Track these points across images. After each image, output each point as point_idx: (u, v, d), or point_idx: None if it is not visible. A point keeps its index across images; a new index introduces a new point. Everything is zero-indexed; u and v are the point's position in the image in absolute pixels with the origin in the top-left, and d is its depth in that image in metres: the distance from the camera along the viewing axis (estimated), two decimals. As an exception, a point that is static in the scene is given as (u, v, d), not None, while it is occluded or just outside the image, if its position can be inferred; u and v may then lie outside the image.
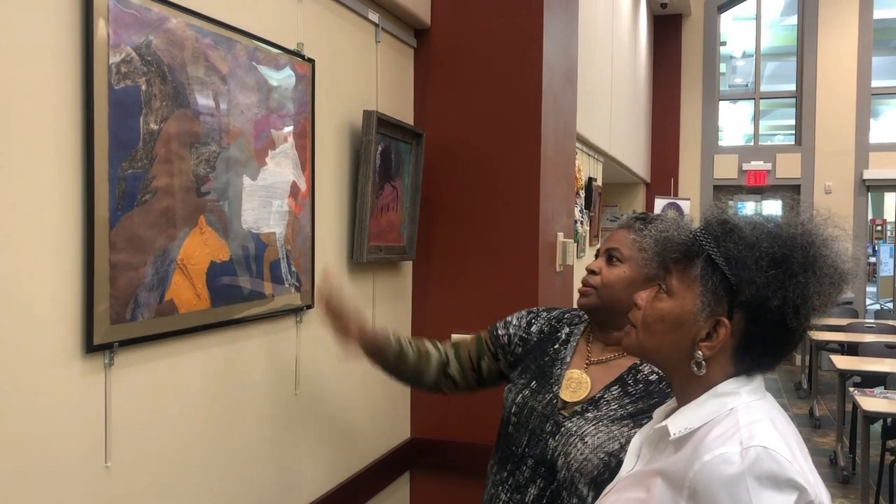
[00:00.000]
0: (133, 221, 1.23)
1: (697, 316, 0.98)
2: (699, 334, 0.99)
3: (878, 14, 9.68)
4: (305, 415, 1.82)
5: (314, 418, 1.86)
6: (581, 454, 1.38)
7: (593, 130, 5.29)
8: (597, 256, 1.56)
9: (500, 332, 1.66)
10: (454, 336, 2.00)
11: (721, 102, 10.36)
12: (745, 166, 9.91)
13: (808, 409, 6.96)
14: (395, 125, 2.11)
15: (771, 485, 0.88)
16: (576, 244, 4.13)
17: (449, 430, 2.36)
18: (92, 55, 1.14)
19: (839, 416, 5.49)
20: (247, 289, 1.54)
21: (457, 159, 2.35)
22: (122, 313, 1.21)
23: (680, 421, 0.99)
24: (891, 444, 4.48)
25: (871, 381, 5.09)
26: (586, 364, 1.51)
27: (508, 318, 1.68)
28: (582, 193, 5.15)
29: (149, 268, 1.27)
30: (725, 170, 9.99)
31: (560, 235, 2.53)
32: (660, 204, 8.20)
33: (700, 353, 0.99)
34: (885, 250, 12.63)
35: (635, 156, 8.06)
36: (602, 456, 1.37)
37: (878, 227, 13.71)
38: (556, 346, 1.56)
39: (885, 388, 4.67)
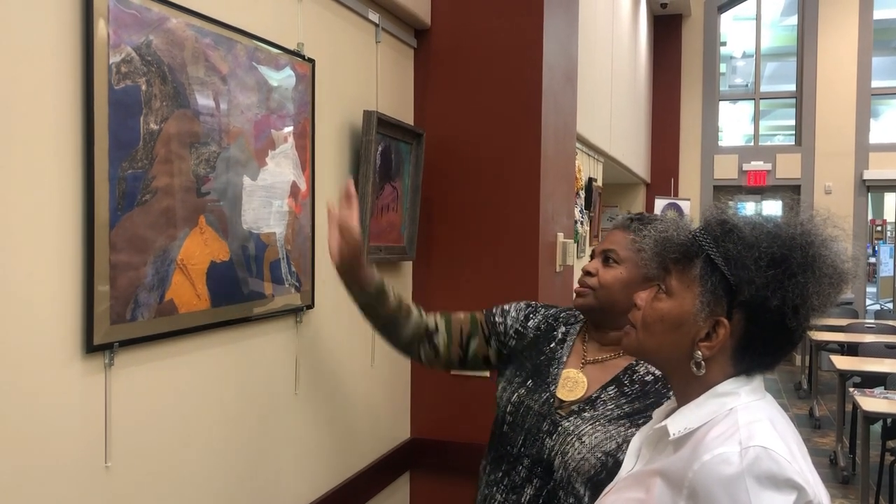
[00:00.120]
0: (133, 221, 1.23)
1: (697, 316, 0.99)
2: (699, 334, 0.99)
3: (878, 14, 9.69)
4: (305, 415, 1.82)
5: (314, 418, 1.86)
6: (578, 454, 1.38)
7: (593, 130, 5.29)
8: (592, 257, 1.55)
9: (496, 318, 1.64)
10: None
11: (721, 103, 10.36)
12: (746, 166, 9.91)
13: (808, 409, 6.96)
14: (395, 125, 2.11)
15: (770, 485, 0.88)
16: (576, 244, 4.13)
17: (449, 430, 2.36)
18: (92, 55, 1.14)
19: (839, 417, 5.49)
20: (247, 289, 1.55)
21: (457, 159, 2.35)
22: (122, 313, 1.21)
23: (679, 421, 0.99)
24: (891, 444, 4.48)
25: (871, 381, 5.09)
26: (582, 364, 1.51)
27: (506, 307, 1.67)
28: (582, 194, 5.15)
29: (149, 268, 1.27)
30: (725, 170, 9.99)
31: (560, 235, 2.53)
32: (660, 204, 8.20)
33: (699, 353, 0.99)
34: (885, 251, 12.63)
35: (635, 156, 8.07)
36: (599, 455, 1.37)
37: (878, 228, 13.71)
38: (553, 346, 1.56)
39: (885, 389, 4.67)
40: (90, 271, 1.15)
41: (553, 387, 1.48)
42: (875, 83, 9.61)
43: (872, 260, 12.94)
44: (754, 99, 10.39)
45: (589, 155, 5.51)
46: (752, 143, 10.25)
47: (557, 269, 2.50)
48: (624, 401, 1.44)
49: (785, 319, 0.95)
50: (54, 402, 1.12)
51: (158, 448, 1.33)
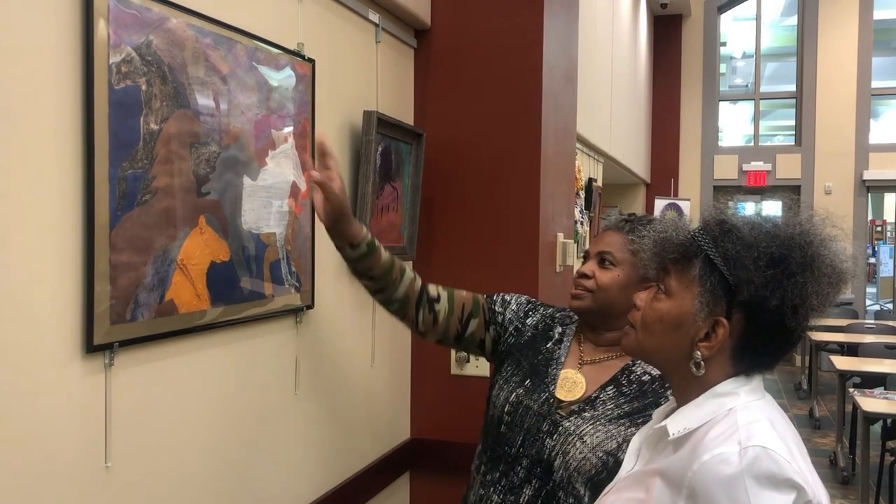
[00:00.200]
0: (133, 221, 1.23)
1: (696, 316, 0.99)
2: (698, 334, 0.99)
3: (878, 14, 9.69)
4: (305, 415, 1.82)
5: (314, 418, 1.86)
6: (580, 453, 1.38)
7: (593, 131, 5.29)
8: (586, 259, 1.55)
9: (497, 308, 1.63)
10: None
11: (721, 103, 10.37)
12: (745, 167, 9.92)
13: (807, 409, 6.97)
14: (395, 125, 2.11)
15: (769, 484, 0.88)
16: (576, 244, 4.13)
17: (449, 430, 2.36)
18: (92, 55, 1.14)
19: (839, 417, 5.49)
20: (247, 289, 1.55)
21: (457, 159, 2.35)
22: (122, 313, 1.21)
23: (679, 421, 1.00)
24: (891, 444, 4.48)
25: (871, 381, 5.10)
26: (580, 364, 1.51)
27: (507, 298, 1.65)
28: (582, 194, 5.16)
29: (149, 268, 1.27)
30: (725, 170, 10.00)
31: (560, 236, 2.53)
32: (660, 204, 8.20)
33: (699, 353, 0.99)
34: (884, 251, 12.63)
35: (635, 156, 8.07)
36: (601, 455, 1.38)
37: (878, 228, 13.71)
38: (549, 345, 1.55)
39: (885, 389, 4.68)
40: (90, 271, 1.15)
41: (552, 387, 1.48)
42: (875, 83, 9.61)
43: (872, 260, 12.95)
44: (754, 99, 10.39)
45: (589, 155, 5.51)
46: (752, 144, 10.26)
47: (557, 269, 2.50)
48: (623, 400, 1.44)
49: (784, 319, 0.96)
50: (54, 402, 1.12)
51: (158, 448, 1.33)
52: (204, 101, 1.40)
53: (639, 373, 1.47)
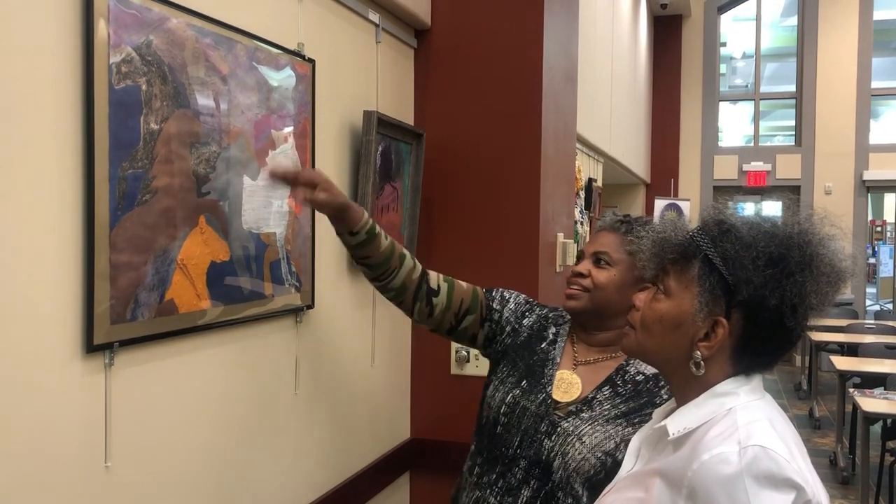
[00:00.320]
0: (133, 221, 1.23)
1: (696, 316, 0.99)
2: (697, 334, 0.99)
3: (878, 15, 9.69)
4: (305, 415, 1.82)
5: (314, 418, 1.86)
6: (579, 454, 1.39)
7: (593, 131, 5.29)
8: (580, 259, 1.54)
9: (495, 305, 1.62)
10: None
11: (721, 103, 10.37)
12: (745, 167, 9.92)
13: (807, 409, 6.97)
14: (395, 125, 2.11)
15: (769, 484, 0.88)
16: (576, 244, 4.13)
17: (449, 430, 2.36)
18: (92, 55, 1.15)
19: (839, 417, 5.49)
20: (247, 289, 1.55)
21: (457, 159, 2.35)
22: (122, 313, 1.21)
23: (679, 421, 1.00)
24: (891, 444, 4.48)
25: (871, 381, 5.10)
26: (574, 365, 1.51)
27: (507, 296, 1.65)
28: (582, 194, 5.16)
29: (149, 268, 1.27)
30: (725, 170, 10.00)
31: (560, 236, 2.53)
32: (660, 204, 8.20)
33: (699, 353, 0.99)
34: (884, 251, 12.63)
35: (635, 156, 8.07)
36: (600, 455, 1.38)
37: (878, 228, 13.71)
38: (544, 346, 1.55)
39: (885, 389, 4.68)
40: (90, 271, 1.15)
41: (549, 387, 1.48)
42: (875, 84, 9.61)
43: (872, 261, 12.95)
44: (754, 99, 10.39)
45: (589, 155, 5.51)
46: (751, 144, 10.26)
47: (557, 269, 2.51)
48: (619, 400, 1.44)
49: (783, 318, 0.96)
50: (54, 402, 1.12)
51: (158, 448, 1.33)
52: (204, 100, 1.40)
53: (633, 373, 1.48)
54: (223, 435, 1.51)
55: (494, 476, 1.46)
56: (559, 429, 1.42)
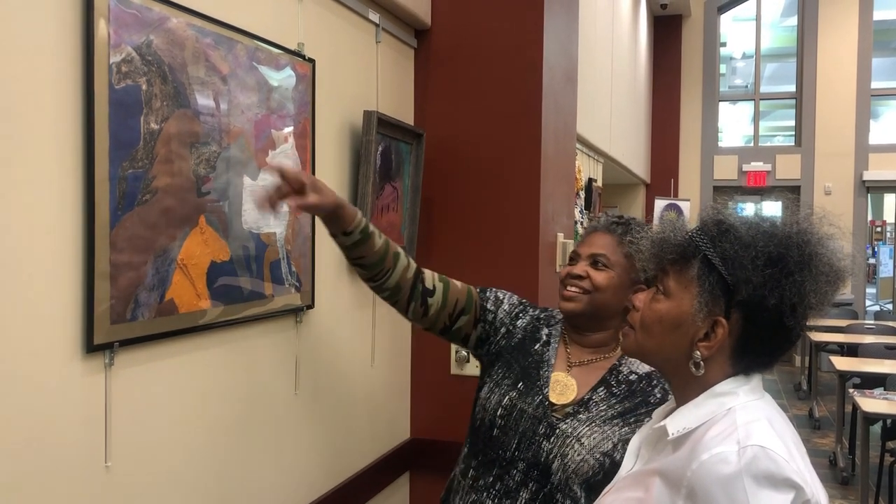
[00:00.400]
0: (133, 221, 1.23)
1: (695, 316, 0.99)
2: (697, 334, 0.99)
3: (878, 15, 9.69)
4: (305, 415, 1.82)
5: (314, 418, 1.86)
6: (578, 455, 1.39)
7: (593, 131, 5.29)
8: (573, 260, 1.53)
9: (489, 306, 1.61)
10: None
11: (721, 103, 10.37)
12: (745, 167, 9.92)
13: (807, 410, 6.97)
14: (395, 125, 2.11)
15: (768, 484, 0.88)
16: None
17: (449, 430, 2.36)
18: (92, 55, 1.15)
19: (839, 418, 5.49)
20: (247, 289, 1.55)
21: (457, 159, 2.35)
22: (122, 313, 1.21)
23: (678, 421, 1.00)
24: (890, 445, 4.48)
25: (871, 382, 5.10)
26: (569, 367, 1.51)
27: (500, 296, 1.63)
28: (582, 194, 5.16)
29: (149, 267, 1.27)
30: (725, 171, 10.00)
31: (560, 236, 2.53)
32: (659, 205, 8.21)
33: (698, 353, 0.99)
34: (884, 251, 12.64)
35: (635, 156, 8.07)
36: (598, 456, 1.38)
37: (878, 229, 13.71)
38: (538, 347, 1.55)
39: (885, 390, 4.68)
40: (90, 271, 1.15)
41: (546, 389, 1.47)
42: (875, 84, 9.62)
43: (872, 261, 12.95)
44: (754, 100, 10.39)
45: (589, 155, 5.51)
46: (751, 144, 10.26)
47: (557, 270, 2.51)
48: (614, 401, 1.45)
49: (783, 318, 0.96)
50: (54, 401, 1.12)
51: (158, 448, 1.33)
52: (204, 100, 1.40)
53: (626, 372, 1.49)
54: (223, 435, 1.51)
55: (491, 479, 1.46)
56: (558, 431, 1.42)
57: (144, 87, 1.25)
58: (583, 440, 1.40)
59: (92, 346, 1.16)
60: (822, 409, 7.00)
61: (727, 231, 0.99)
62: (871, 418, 4.22)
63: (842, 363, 5.34)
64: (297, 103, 1.71)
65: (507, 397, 1.48)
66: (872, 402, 4.26)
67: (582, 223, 5.10)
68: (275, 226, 1.64)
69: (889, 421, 4.35)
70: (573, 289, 1.49)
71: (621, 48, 6.76)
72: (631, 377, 1.48)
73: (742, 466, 0.88)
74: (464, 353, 2.33)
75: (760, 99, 10.38)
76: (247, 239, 1.54)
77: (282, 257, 1.67)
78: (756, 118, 10.34)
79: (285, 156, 1.67)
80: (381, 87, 2.17)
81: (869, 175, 9.45)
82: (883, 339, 6.16)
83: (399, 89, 2.31)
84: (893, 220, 13.02)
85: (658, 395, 1.46)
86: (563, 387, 1.48)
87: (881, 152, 9.49)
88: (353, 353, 2.06)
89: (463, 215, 2.35)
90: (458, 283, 1.61)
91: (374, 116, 1.96)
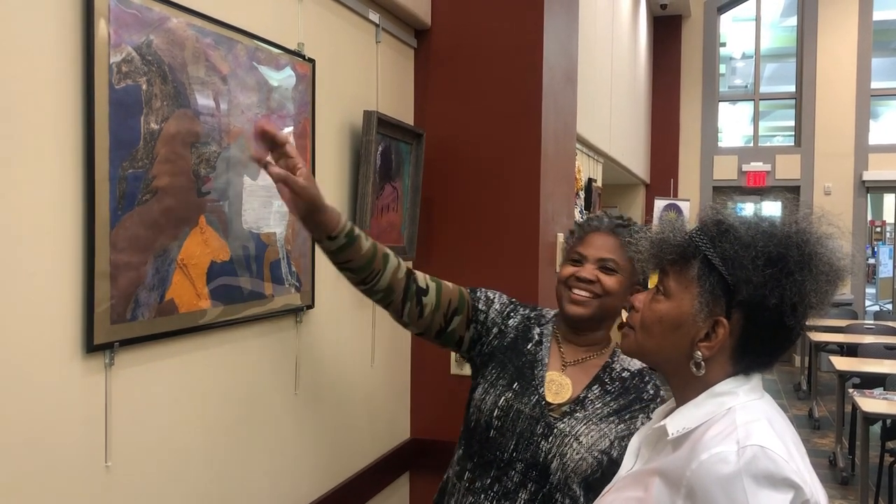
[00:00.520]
0: (133, 221, 1.23)
1: (696, 317, 0.99)
2: (698, 335, 0.99)
3: (878, 15, 9.70)
4: (305, 415, 1.82)
5: (314, 418, 1.86)
6: (577, 454, 1.39)
7: (593, 131, 5.29)
8: (577, 261, 1.50)
9: (480, 306, 1.58)
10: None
11: (721, 103, 10.37)
12: (745, 167, 9.92)
13: (807, 410, 6.97)
14: (395, 125, 2.11)
15: (767, 484, 0.88)
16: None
17: (449, 430, 2.35)
18: (93, 55, 1.15)
19: (838, 418, 5.49)
20: (247, 289, 1.55)
21: (457, 159, 2.35)
22: (122, 313, 1.21)
23: (678, 421, 1.00)
24: (890, 445, 4.48)
25: (871, 382, 5.09)
26: (563, 366, 1.51)
27: (491, 296, 1.60)
28: (581, 194, 5.16)
29: (149, 267, 1.27)
30: (725, 171, 10.00)
31: (560, 236, 2.53)
32: (659, 205, 8.21)
33: (699, 353, 0.99)
34: (884, 251, 12.64)
35: (635, 157, 8.07)
36: (596, 454, 1.39)
37: (878, 229, 13.71)
38: (531, 347, 1.54)
39: (885, 390, 4.67)
40: (90, 271, 1.15)
41: (541, 389, 1.47)
42: (874, 84, 9.62)
43: (872, 261, 12.95)
44: (754, 100, 10.39)
45: (588, 155, 5.51)
46: (751, 144, 10.26)
47: (557, 269, 2.50)
48: (609, 398, 1.46)
49: (783, 318, 0.96)
50: (54, 401, 1.12)
51: (158, 448, 1.33)
52: (204, 100, 1.40)
53: (618, 370, 1.50)
54: (223, 434, 1.51)
55: (489, 480, 1.45)
56: (555, 430, 1.42)
57: (144, 86, 1.25)
58: (581, 438, 1.40)
59: (92, 346, 1.16)
60: (821, 409, 7.00)
61: (727, 231, 0.99)
62: (871, 418, 4.22)
63: (841, 363, 5.34)
64: (297, 103, 1.71)
65: (502, 398, 1.47)
66: (872, 402, 4.26)
67: (581, 223, 5.10)
68: (275, 226, 1.64)
69: (889, 421, 4.35)
70: (583, 293, 1.47)
71: (621, 48, 6.76)
72: (624, 374, 1.49)
73: (741, 466, 0.88)
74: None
75: (760, 99, 10.38)
76: (247, 239, 1.54)
77: (282, 257, 1.67)
78: (756, 118, 10.35)
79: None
80: (381, 87, 2.17)
81: (868, 175, 9.45)
82: (882, 339, 6.16)
83: (399, 89, 2.31)
84: (893, 221, 13.02)
85: (651, 392, 1.48)
86: (558, 386, 1.48)
87: (881, 152, 9.49)
88: (352, 353, 2.06)
89: (463, 215, 2.35)
90: (450, 284, 1.57)
91: (374, 116, 1.96)
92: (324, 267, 1.87)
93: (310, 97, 1.76)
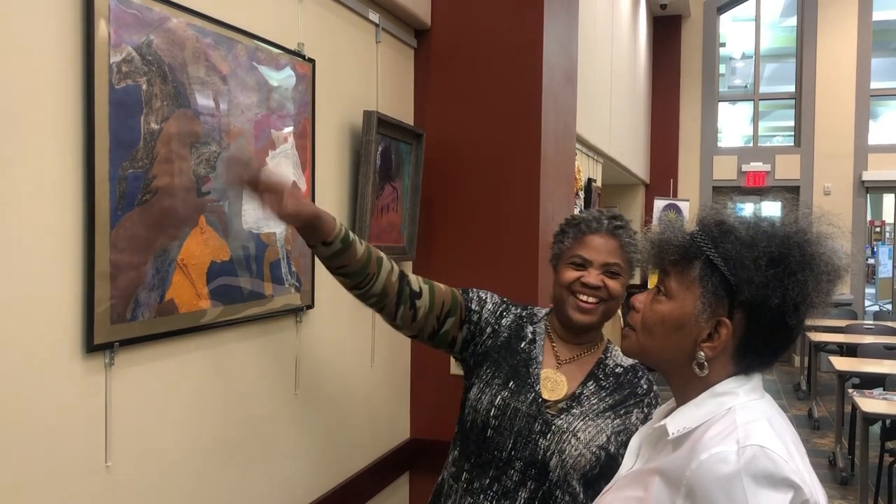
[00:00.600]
0: (134, 221, 1.23)
1: (699, 317, 0.99)
2: (700, 335, 0.99)
3: (878, 16, 9.70)
4: (305, 415, 1.82)
5: (314, 418, 1.86)
6: (575, 450, 1.40)
7: (593, 131, 5.29)
8: (580, 266, 1.48)
9: (473, 306, 1.57)
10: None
11: (720, 103, 10.37)
12: (745, 167, 9.92)
13: (807, 410, 6.97)
14: (395, 125, 2.11)
15: (767, 483, 0.88)
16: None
17: (449, 430, 2.34)
18: (93, 55, 1.15)
19: (838, 418, 5.49)
20: (247, 289, 1.55)
21: (457, 159, 2.35)
22: (122, 313, 1.21)
23: (678, 420, 1.00)
24: (890, 445, 4.48)
25: (870, 382, 5.09)
26: (557, 363, 1.52)
27: (483, 296, 1.59)
28: (581, 194, 5.16)
29: (149, 267, 1.27)
30: (725, 171, 10.00)
31: (559, 236, 2.53)
32: (659, 205, 8.21)
33: (702, 353, 0.99)
34: (883, 252, 12.64)
35: (634, 157, 8.07)
36: (594, 450, 1.40)
37: (877, 229, 13.71)
38: (524, 345, 1.54)
39: (884, 390, 4.67)
40: (90, 271, 1.15)
41: (537, 386, 1.48)
42: (874, 84, 9.62)
43: (871, 261, 12.95)
44: (753, 100, 10.39)
45: (588, 155, 5.51)
46: (751, 144, 10.26)
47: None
48: (604, 394, 1.47)
49: (785, 317, 0.96)
50: (54, 401, 1.12)
51: (158, 448, 1.33)
52: (204, 100, 1.40)
53: (612, 365, 1.51)
54: (223, 435, 1.51)
55: (488, 480, 1.45)
56: (553, 427, 1.42)
57: (144, 86, 1.25)
58: (579, 434, 1.41)
59: (92, 346, 1.16)
60: (821, 409, 7.00)
61: (728, 232, 0.99)
62: (871, 418, 4.22)
63: (841, 363, 5.34)
64: (297, 103, 1.71)
65: (499, 397, 1.47)
66: (872, 403, 4.26)
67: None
68: (275, 226, 1.64)
69: (888, 421, 4.34)
70: (591, 300, 1.46)
71: (621, 48, 6.76)
72: (617, 370, 1.51)
73: (741, 466, 0.88)
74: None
75: (760, 99, 10.38)
76: (247, 239, 1.54)
77: (282, 257, 1.67)
78: (755, 118, 10.35)
79: (285, 156, 1.67)
80: (380, 87, 2.17)
81: (868, 175, 9.45)
82: (882, 340, 6.16)
83: (399, 89, 2.31)
84: (892, 221, 13.02)
85: (644, 387, 1.50)
86: (553, 383, 1.48)
87: (880, 152, 9.49)
88: (352, 353, 2.06)
89: (463, 215, 2.35)
90: (442, 286, 1.57)
91: (374, 116, 1.96)
92: (323, 267, 1.87)
93: (310, 97, 1.76)
